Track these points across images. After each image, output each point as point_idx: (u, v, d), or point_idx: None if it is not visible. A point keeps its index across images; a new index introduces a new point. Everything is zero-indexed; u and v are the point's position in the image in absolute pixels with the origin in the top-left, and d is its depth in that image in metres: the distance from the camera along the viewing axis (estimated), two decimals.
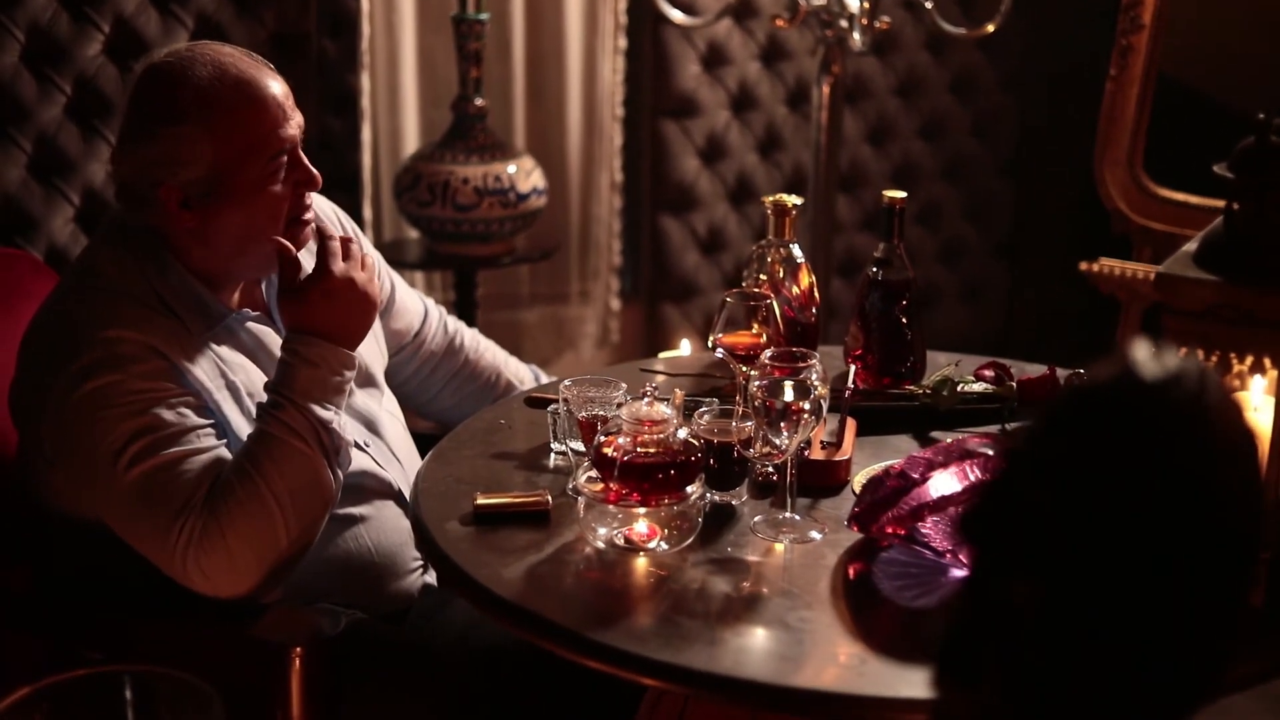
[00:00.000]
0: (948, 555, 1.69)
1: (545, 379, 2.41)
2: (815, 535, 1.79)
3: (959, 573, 1.69)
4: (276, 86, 1.91)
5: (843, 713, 1.53)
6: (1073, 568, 0.96)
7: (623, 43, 3.67)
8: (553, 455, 2.00)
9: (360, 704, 1.90)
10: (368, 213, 3.39)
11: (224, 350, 1.94)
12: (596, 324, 3.81)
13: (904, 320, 2.18)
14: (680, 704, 1.74)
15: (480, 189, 3.22)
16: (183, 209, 1.88)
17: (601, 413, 1.88)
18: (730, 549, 1.76)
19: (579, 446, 1.91)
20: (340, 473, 1.89)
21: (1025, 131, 4.03)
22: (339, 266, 1.91)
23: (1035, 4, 3.72)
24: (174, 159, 1.86)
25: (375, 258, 2.20)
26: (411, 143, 3.50)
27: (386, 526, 2.03)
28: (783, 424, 1.73)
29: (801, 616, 1.62)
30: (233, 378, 1.92)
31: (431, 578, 2.09)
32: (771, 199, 2.15)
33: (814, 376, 1.74)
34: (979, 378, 2.17)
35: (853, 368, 2.17)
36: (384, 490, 2.04)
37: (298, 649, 1.80)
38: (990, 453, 1.71)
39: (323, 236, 1.94)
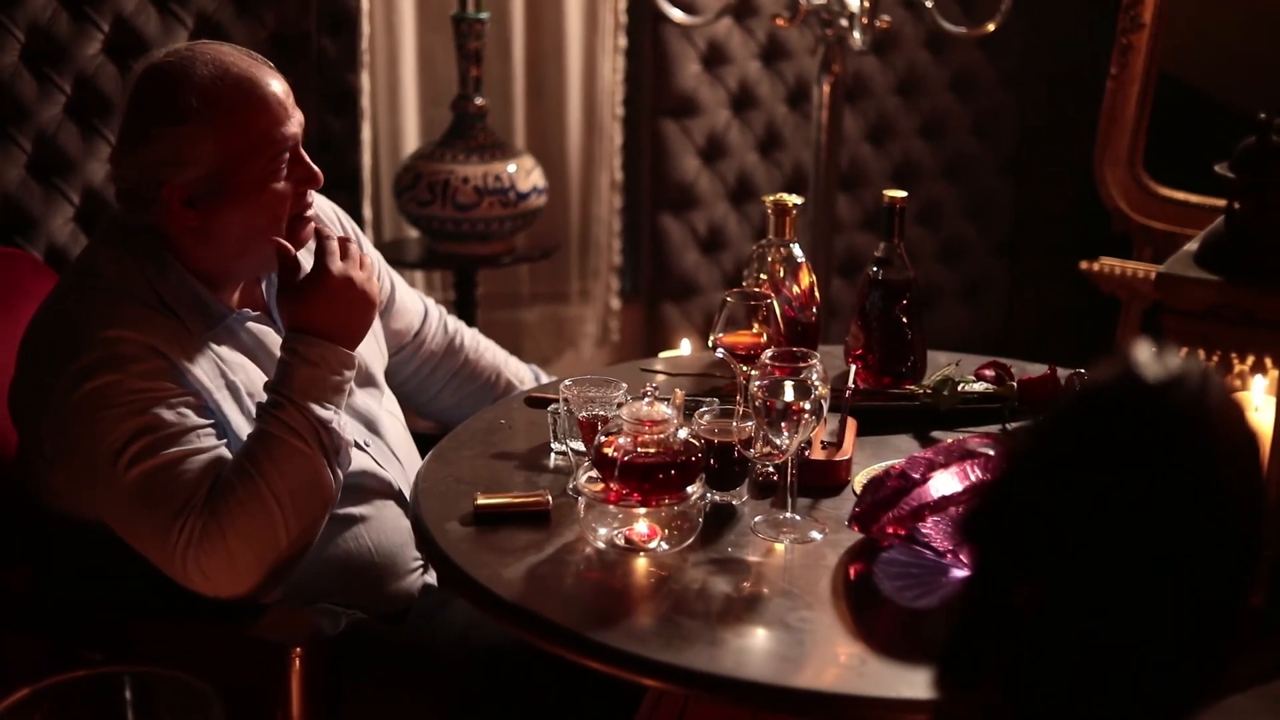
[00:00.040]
0: (948, 555, 1.69)
1: (545, 379, 2.41)
2: (816, 535, 1.79)
3: (960, 573, 1.69)
4: (277, 85, 1.91)
5: (843, 713, 1.53)
6: (1074, 568, 0.96)
7: (623, 42, 3.67)
8: (553, 455, 2.00)
9: (360, 704, 1.90)
10: (368, 212, 3.39)
11: (224, 350, 1.94)
12: (596, 323, 3.81)
13: (904, 320, 2.18)
14: (680, 704, 1.74)
15: (480, 188, 3.22)
16: (186, 208, 1.88)
17: (602, 413, 1.88)
18: (731, 549, 1.76)
19: (579, 446, 1.91)
20: (340, 472, 1.89)
21: (1025, 130, 4.03)
22: (337, 266, 1.91)
23: (1035, 3, 3.72)
24: (177, 158, 1.86)
25: (375, 257, 2.20)
26: (411, 142, 3.50)
27: (387, 526, 2.03)
28: (783, 424, 1.73)
29: (802, 617, 1.62)
30: (233, 377, 1.92)
31: (431, 578, 2.09)
32: (772, 198, 2.15)
33: (814, 376, 1.74)
34: (979, 377, 2.16)
35: (853, 367, 2.17)
36: (384, 490, 2.04)
37: (298, 649, 1.80)
38: (991, 453, 1.71)
39: (320, 236, 1.94)
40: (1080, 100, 3.61)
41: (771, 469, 1.87)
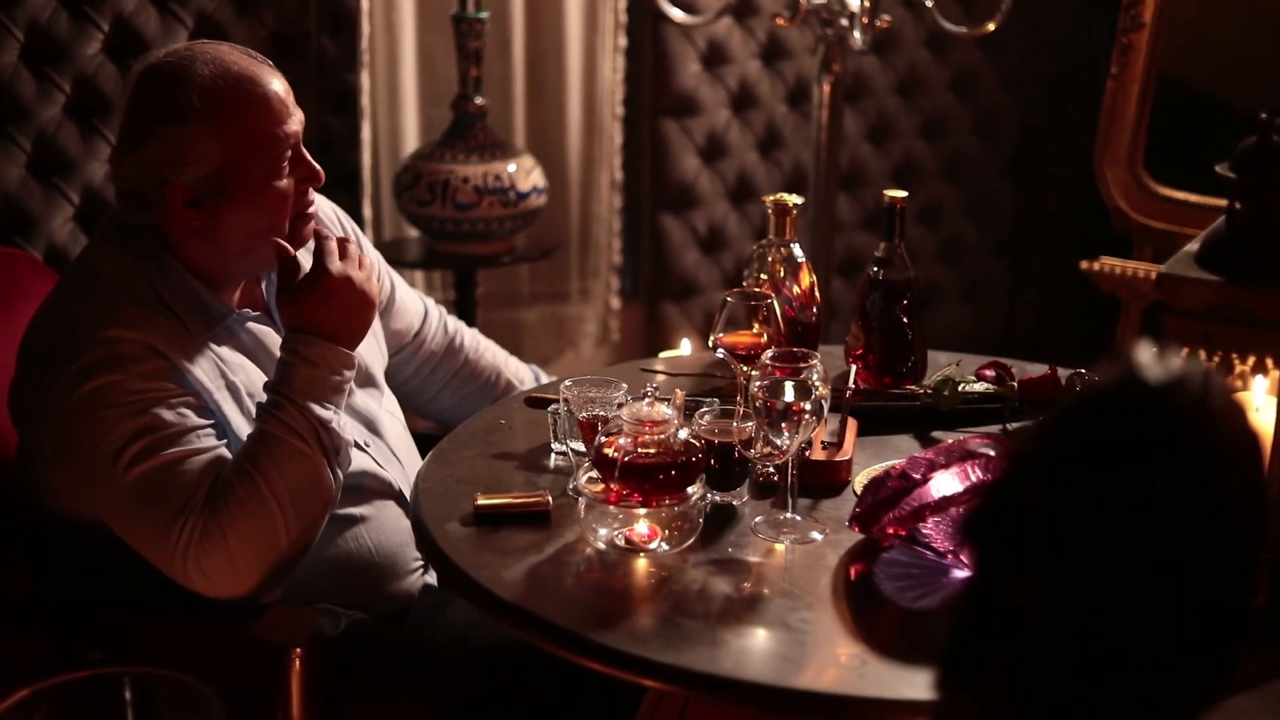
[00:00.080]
0: (949, 556, 1.69)
1: (545, 379, 2.41)
2: (816, 536, 1.79)
3: (960, 573, 1.69)
4: (278, 84, 1.92)
5: (844, 714, 1.53)
6: (1075, 569, 0.96)
7: (623, 41, 3.66)
8: (553, 455, 1.99)
9: (360, 704, 1.90)
10: (367, 212, 3.39)
11: (224, 350, 1.94)
12: (596, 323, 3.81)
13: (905, 320, 2.18)
14: (681, 705, 1.74)
15: (480, 188, 3.21)
16: (189, 208, 1.88)
17: (602, 413, 1.88)
18: (731, 550, 1.76)
19: (579, 447, 1.91)
20: (340, 472, 1.89)
21: (1026, 130, 4.02)
22: (336, 265, 1.91)
23: (1036, 2, 3.72)
24: (179, 158, 1.86)
25: (374, 257, 2.20)
26: (411, 142, 3.50)
27: (387, 527, 2.03)
28: (784, 424, 1.73)
29: (802, 617, 1.62)
30: (233, 378, 1.92)
31: (432, 578, 2.08)
32: (772, 198, 2.15)
33: (815, 376, 1.73)
34: (980, 378, 2.16)
35: (854, 367, 2.17)
36: (384, 490, 2.04)
37: (298, 649, 1.80)
38: (992, 453, 1.71)
39: (319, 237, 1.94)
40: (1080, 100, 3.61)
41: (772, 469, 1.86)
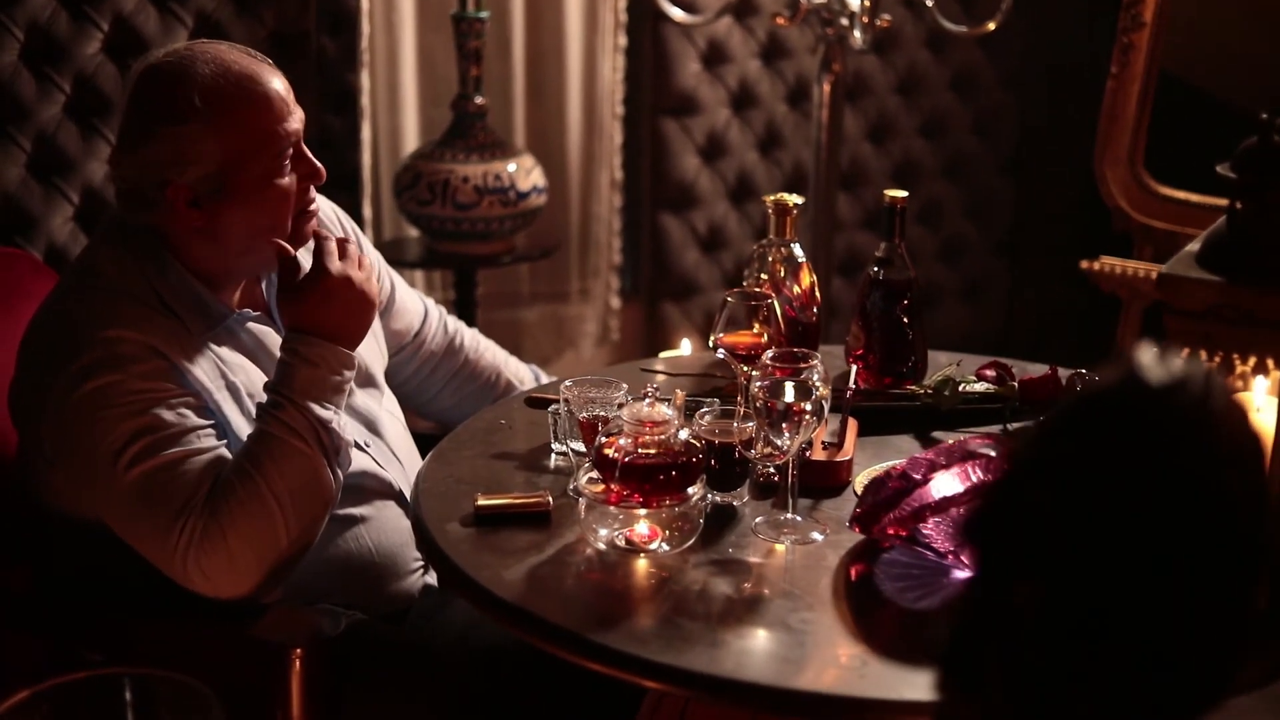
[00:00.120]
0: (950, 556, 1.69)
1: (545, 379, 2.41)
2: (817, 536, 1.79)
3: (961, 574, 1.69)
4: (278, 82, 1.92)
5: (844, 715, 1.53)
6: (1076, 570, 0.96)
7: (623, 41, 3.66)
8: (553, 456, 1.99)
9: (360, 705, 1.90)
10: (367, 211, 3.39)
11: (224, 351, 1.94)
12: (596, 322, 3.81)
13: (905, 320, 2.17)
14: (681, 706, 1.74)
15: (480, 187, 3.21)
16: (191, 208, 1.88)
17: (602, 413, 1.88)
18: (731, 550, 1.76)
19: (580, 447, 1.91)
20: (340, 473, 1.88)
21: (1026, 129, 4.02)
22: (335, 266, 1.90)
23: (1036, 2, 3.72)
24: (181, 158, 1.86)
25: (374, 258, 2.19)
26: (411, 141, 3.49)
27: (387, 527, 2.03)
28: (784, 424, 1.73)
29: (803, 618, 1.62)
30: (233, 378, 1.92)
31: (432, 578, 2.08)
32: (772, 198, 2.15)
33: (815, 377, 1.73)
34: (980, 378, 2.16)
35: (854, 368, 2.17)
36: (384, 490, 2.04)
37: (298, 649, 1.79)
38: (992, 453, 1.71)
39: (318, 237, 1.94)
40: (1081, 99, 3.61)
41: (772, 470, 1.86)
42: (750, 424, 1.78)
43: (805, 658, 1.57)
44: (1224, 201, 1.67)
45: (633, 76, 3.74)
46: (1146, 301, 3.23)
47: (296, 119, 1.92)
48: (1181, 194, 3.27)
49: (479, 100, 3.25)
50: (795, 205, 2.14)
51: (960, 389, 2.12)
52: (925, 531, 1.68)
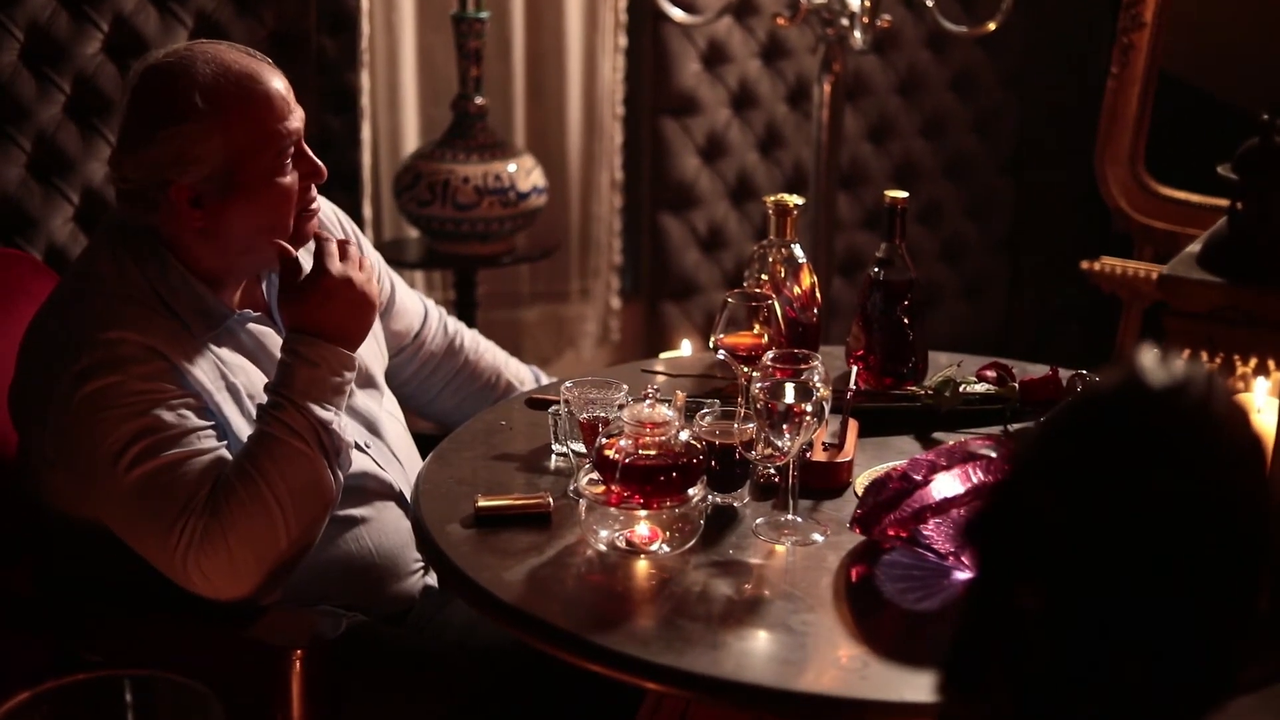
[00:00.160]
0: (950, 558, 1.69)
1: (545, 380, 2.41)
2: (817, 537, 1.79)
3: (962, 575, 1.69)
4: (278, 81, 1.92)
5: (845, 716, 1.53)
6: (1078, 572, 0.96)
7: (623, 41, 3.66)
8: (554, 457, 1.99)
9: (361, 706, 1.90)
10: (367, 212, 3.39)
11: (224, 352, 1.93)
12: (597, 323, 3.81)
13: (906, 321, 2.17)
14: (681, 707, 1.74)
15: (480, 188, 3.21)
16: (193, 207, 1.88)
17: (603, 414, 1.88)
18: (732, 551, 1.76)
19: (580, 448, 1.91)
20: (341, 474, 1.88)
21: (1026, 130, 4.02)
22: (336, 266, 1.90)
23: (1036, 2, 3.72)
24: (183, 157, 1.85)
25: (375, 259, 2.19)
26: (411, 141, 3.49)
27: (387, 528, 2.03)
28: (785, 425, 1.73)
29: (804, 619, 1.62)
30: (233, 379, 1.92)
31: (432, 579, 2.08)
32: (773, 199, 2.15)
33: (816, 378, 1.73)
34: (981, 378, 2.16)
35: (854, 368, 2.17)
36: (385, 492, 2.04)
37: (298, 651, 1.79)
38: (993, 455, 1.70)
39: (319, 238, 1.94)
40: (1081, 99, 3.61)
41: (773, 471, 1.86)
42: (751, 425, 1.78)
43: (806, 659, 1.57)
44: (1224, 202, 1.67)
45: (633, 76, 3.73)
46: (1147, 302, 3.23)
47: (297, 118, 1.92)
48: (1182, 194, 3.27)
49: (479, 100, 3.25)
50: (796, 206, 2.14)
51: (961, 390, 2.12)
52: (926, 533, 1.68)
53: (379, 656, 1.92)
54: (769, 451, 1.76)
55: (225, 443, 1.86)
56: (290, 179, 1.91)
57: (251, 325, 1.98)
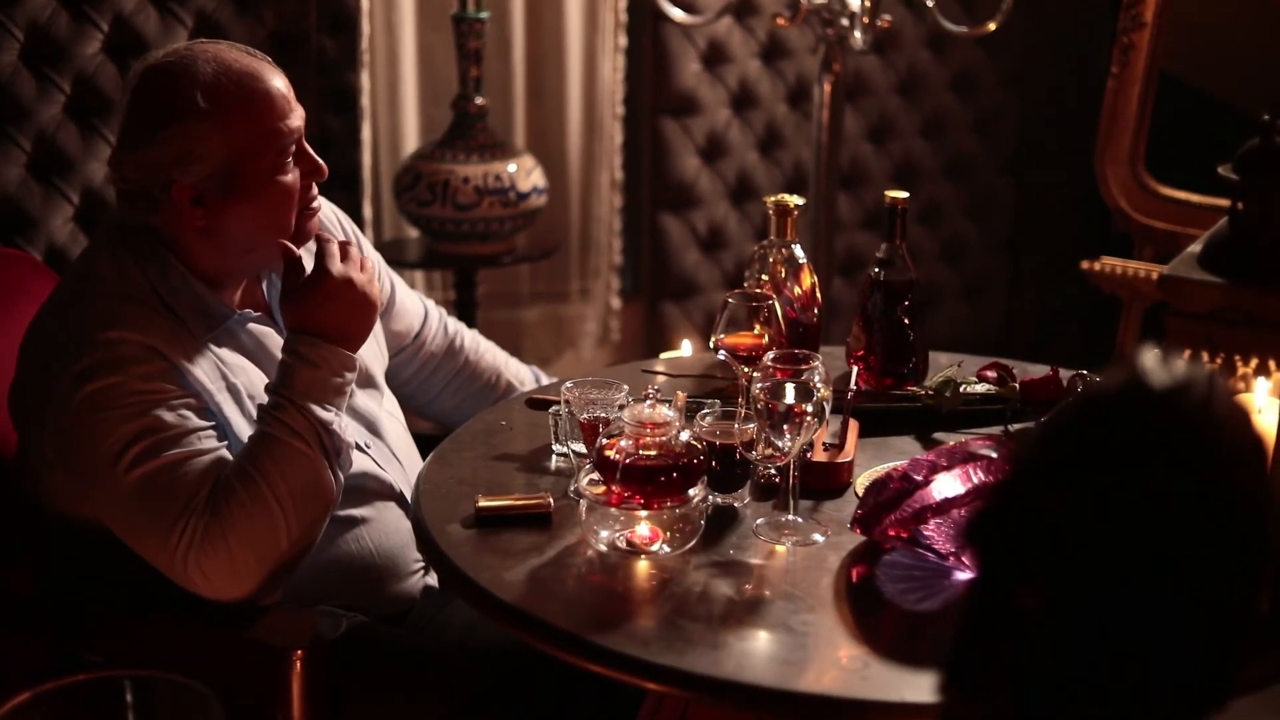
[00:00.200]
0: (951, 558, 1.69)
1: (545, 380, 2.41)
2: (818, 538, 1.79)
3: (963, 576, 1.69)
4: (279, 80, 1.92)
5: (845, 717, 1.53)
6: (1079, 573, 0.96)
7: (623, 41, 3.66)
8: (554, 457, 1.99)
9: (361, 706, 1.90)
10: (367, 212, 3.39)
11: (225, 352, 1.93)
12: (597, 323, 3.81)
13: (906, 321, 2.17)
14: (681, 707, 1.74)
15: (480, 188, 3.21)
16: (195, 206, 1.88)
17: (603, 415, 1.88)
18: (732, 552, 1.76)
19: (580, 448, 1.91)
20: (341, 474, 1.88)
21: (1026, 130, 4.02)
22: (337, 267, 1.90)
23: (1036, 2, 3.72)
24: (185, 156, 1.85)
25: (375, 259, 2.19)
26: (411, 141, 3.49)
27: (388, 528, 2.03)
28: (785, 426, 1.73)
29: (804, 620, 1.62)
30: (233, 380, 1.92)
31: (432, 580, 2.08)
32: (773, 199, 2.15)
33: (816, 378, 1.73)
34: (981, 378, 2.16)
35: (855, 369, 2.17)
36: (385, 492, 2.04)
37: (298, 651, 1.79)
38: (994, 455, 1.70)
39: (320, 239, 1.94)
40: (1081, 99, 3.61)
41: (773, 471, 1.86)
42: (751, 425, 1.78)
43: (806, 659, 1.57)
44: (1225, 202, 1.67)
45: (633, 76, 3.73)
46: (1147, 302, 3.23)
47: (298, 116, 1.93)
48: (1182, 194, 3.27)
49: (479, 100, 3.25)
50: (796, 206, 2.14)
51: (961, 390, 2.12)
52: (926, 533, 1.68)
53: (379, 657, 1.92)
54: (769, 452, 1.76)
55: (226, 443, 1.86)
56: (291, 177, 1.91)
57: (252, 325, 1.98)
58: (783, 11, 3.16)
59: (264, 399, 1.88)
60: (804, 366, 1.73)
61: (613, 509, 1.73)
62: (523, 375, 2.41)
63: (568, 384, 1.94)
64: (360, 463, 1.98)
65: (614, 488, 1.72)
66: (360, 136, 3.29)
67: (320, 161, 1.95)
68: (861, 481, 1.90)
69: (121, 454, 1.79)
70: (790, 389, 1.73)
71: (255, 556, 1.79)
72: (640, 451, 1.71)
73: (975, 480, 1.68)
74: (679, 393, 1.84)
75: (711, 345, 1.97)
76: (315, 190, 1.97)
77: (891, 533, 1.71)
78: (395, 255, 3.24)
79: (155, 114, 1.87)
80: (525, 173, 3.27)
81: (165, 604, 1.85)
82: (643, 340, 3.85)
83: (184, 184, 1.86)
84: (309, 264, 1.93)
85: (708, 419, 1.82)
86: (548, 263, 3.61)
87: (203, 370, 1.88)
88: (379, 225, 3.51)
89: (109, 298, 1.87)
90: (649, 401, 1.73)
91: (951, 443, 1.80)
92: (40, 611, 2.02)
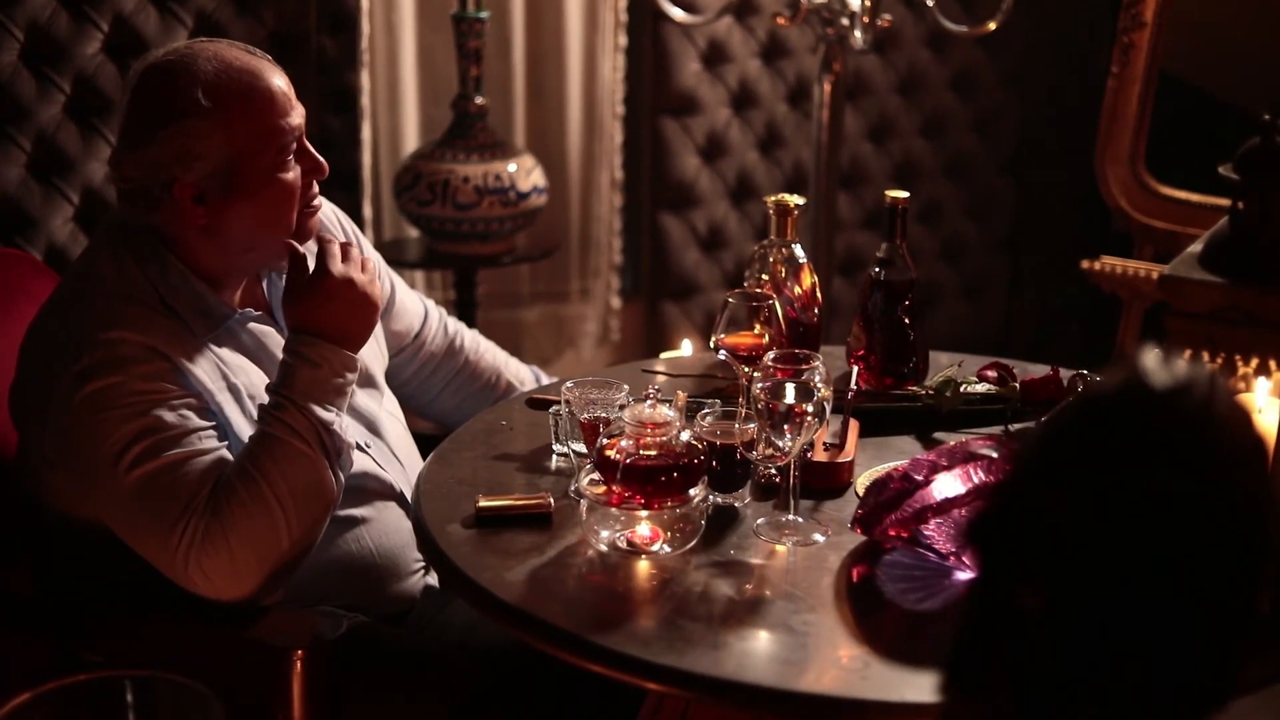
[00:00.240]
0: (951, 558, 1.69)
1: (546, 380, 2.41)
2: (818, 538, 1.79)
3: (963, 576, 1.69)
4: (279, 78, 1.92)
5: (846, 717, 1.53)
6: (1079, 573, 0.96)
7: (623, 40, 3.66)
8: (554, 457, 1.99)
9: (361, 706, 1.90)
10: (367, 212, 3.39)
11: (225, 352, 1.93)
12: (597, 322, 3.81)
13: (907, 321, 2.17)
14: (682, 707, 1.74)
15: (480, 188, 3.21)
16: (196, 204, 1.88)
17: (604, 414, 1.88)
18: (733, 552, 1.76)
19: (581, 448, 1.91)
20: (342, 474, 1.88)
21: (1026, 129, 4.02)
22: (338, 267, 1.90)
23: (1036, 2, 3.72)
24: (186, 154, 1.85)
25: (376, 260, 2.19)
26: (411, 141, 3.49)
27: (388, 528, 2.03)
28: (786, 426, 1.73)
29: (805, 620, 1.62)
30: (234, 380, 1.92)
31: (433, 579, 2.08)
32: (773, 199, 2.15)
33: (817, 378, 1.73)
34: (982, 378, 2.16)
35: (855, 368, 2.17)
36: (385, 492, 2.04)
37: (299, 651, 1.79)
38: (994, 455, 1.70)
39: (321, 240, 1.94)
40: (1081, 99, 3.61)
41: (774, 471, 1.86)
42: (752, 425, 1.78)
43: (807, 659, 1.57)
44: (1225, 202, 1.67)
45: (633, 76, 3.73)
46: (1147, 302, 3.23)
47: (298, 114, 1.93)
48: (1182, 194, 3.27)
49: (479, 100, 3.25)
50: (796, 206, 2.14)
51: (962, 390, 2.12)
52: (927, 533, 1.68)
53: (380, 657, 1.92)
54: (770, 452, 1.76)
55: (226, 443, 1.86)
56: (292, 175, 1.92)
57: (252, 325, 1.98)
58: (783, 11, 3.16)
59: (265, 399, 1.88)
60: (804, 366, 1.73)
61: (613, 509, 1.73)
62: (523, 375, 2.41)
63: (568, 384, 1.94)
64: (360, 463, 1.98)
65: (614, 488, 1.72)
66: (360, 136, 3.29)
67: (321, 159, 1.96)
68: (862, 481, 1.90)
69: (122, 454, 1.79)
70: (790, 389, 1.73)
71: (256, 556, 1.79)
72: (641, 451, 1.71)
73: (976, 480, 1.68)
74: (679, 393, 1.84)
75: (712, 345, 1.97)
76: (316, 188, 1.97)
77: (892, 532, 1.71)
78: (395, 255, 3.24)
79: (156, 112, 1.87)
80: (525, 172, 3.27)
81: (166, 604, 1.85)
82: (643, 340, 3.85)
83: (185, 182, 1.86)
84: (312, 263, 1.93)
85: (708, 419, 1.82)
86: (548, 262, 3.61)
87: (203, 370, 1.88)
88: (379, 225, 3.51)
89: (109, 298, 1.87)
90: (649, 401, 1.73)
91: (952, 442, 1.80)
92: (41, 611, 2.02)
